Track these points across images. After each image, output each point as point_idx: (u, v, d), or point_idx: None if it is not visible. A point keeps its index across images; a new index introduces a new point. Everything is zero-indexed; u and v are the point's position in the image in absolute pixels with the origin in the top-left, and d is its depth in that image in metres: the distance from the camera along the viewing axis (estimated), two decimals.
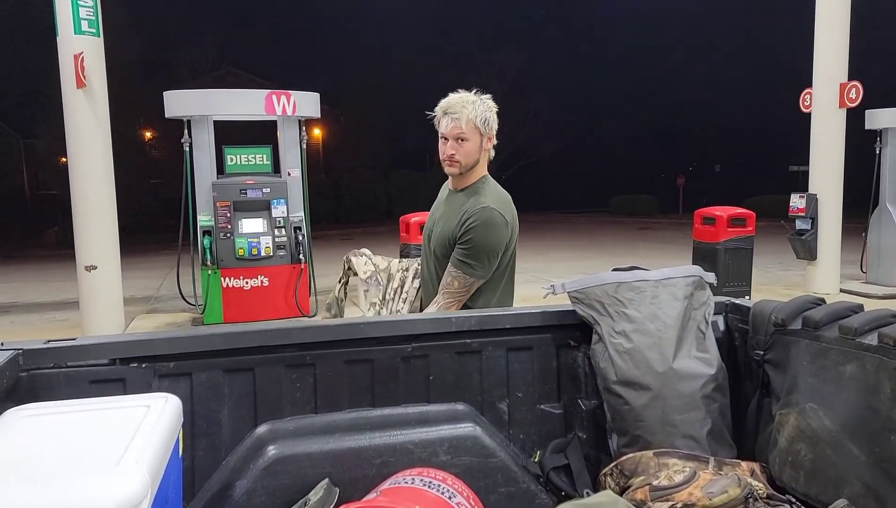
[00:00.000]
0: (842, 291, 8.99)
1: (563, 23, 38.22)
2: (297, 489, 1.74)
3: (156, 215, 19.31)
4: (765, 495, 1.60)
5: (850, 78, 8.68)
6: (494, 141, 2.51)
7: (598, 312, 2.00)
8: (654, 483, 1.65)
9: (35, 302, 9.39)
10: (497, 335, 2.08)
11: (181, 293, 7.79)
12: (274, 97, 7.40)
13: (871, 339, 1.60)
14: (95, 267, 6.88)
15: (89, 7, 6.38)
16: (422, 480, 1.53)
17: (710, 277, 2.11)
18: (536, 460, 2.05)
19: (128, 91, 16.23)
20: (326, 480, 1.73)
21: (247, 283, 7.37)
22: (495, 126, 2.48)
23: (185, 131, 7.41)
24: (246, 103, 7.60)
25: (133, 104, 18.02)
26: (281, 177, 7.70)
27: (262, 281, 7.39)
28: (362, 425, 1.90)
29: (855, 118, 9.08)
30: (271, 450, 1.77)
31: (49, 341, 1.77)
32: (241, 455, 1.81)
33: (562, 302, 2.14)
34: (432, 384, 2.04)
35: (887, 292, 8.91)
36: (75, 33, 6.36)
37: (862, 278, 9.52)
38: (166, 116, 7.40)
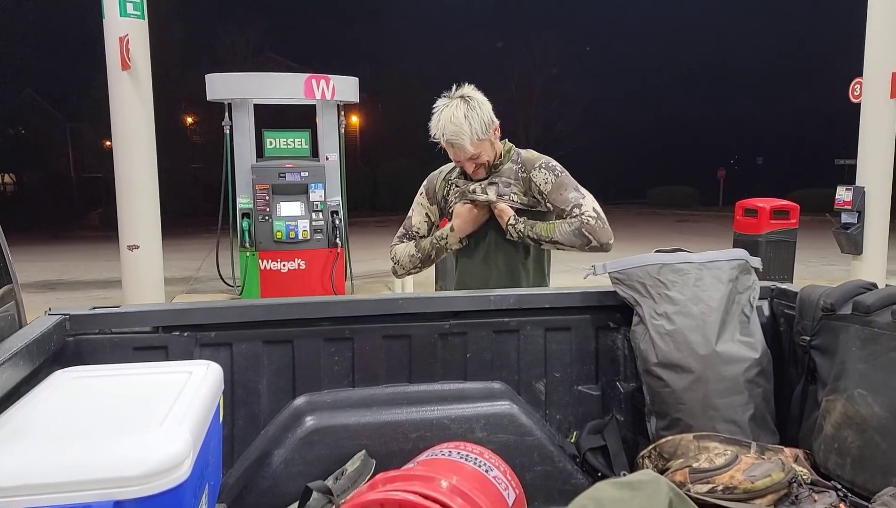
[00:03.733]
0: (887, 286, 8.74)
1: (603, 10, 37.61)
2: (334, 459, 1.75)
3: (196, 200, 19.67)
4: (809, 481, 1.56)
5: None
6: (498, 127, 2.44)
7: (640, 293, 1.97)
8: (695, 465, 1.62)
9: (80, 280, 9.67)
10: (536, 315, 2.06)
11: (220, 275, 7.92)
12: (313, 81, 7.44)
13: None
14: (138, 247, 7.03)
15: None
16: (458, 453, 1.53)
17: (756, 261, 2.06)
18: (573, 440, 2.04)
19: (170, 75, 16.51)
20: (363, 451, 1.75)
21: (284, 265, 7.45)
22: (493, 117, 2.41)
23: (226, 114, 7.50)
24: (286, 87, 7.66)
25: (175, 89, 18.32)
26: (319, 161, 7.75)
27: (298, 264, 7.47)
28: (399, 400, 1.91)
29: None
30: (309, 421, 1.79)
31: (94, 307, 1.81)
32: (280, 425, 1.83)
33: (601, 284, 2.11)
34: (469, 362, 2.03)
35: None
36: (121, 16, 6.48)
37: None
38: (208, 98, 7.50)
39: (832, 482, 1.59)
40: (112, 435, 1.17)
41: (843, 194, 9.00)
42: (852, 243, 8.90)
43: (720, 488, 1.53)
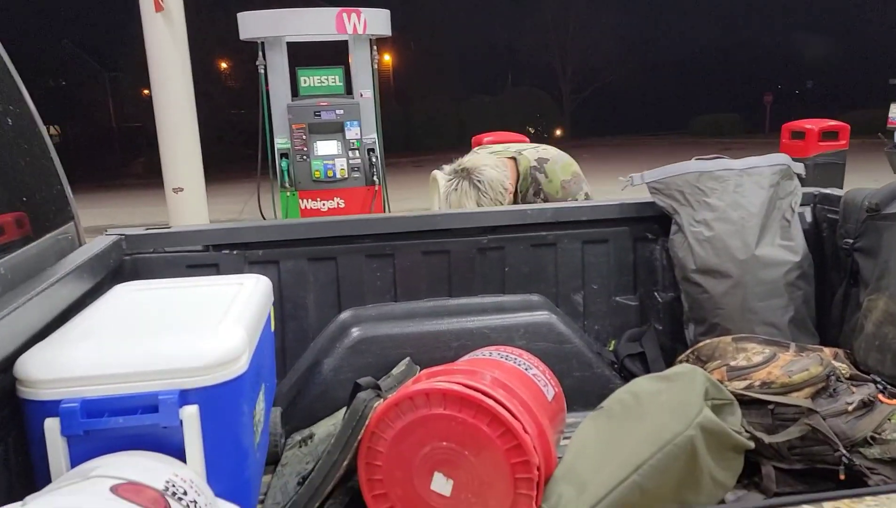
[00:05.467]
0: None
1: None
2: (380, 366, 1.83)
3: (235, 145, 19.86)
4: (848, 376, 1.57)
5: None
6: (511, 184, 2.36)
7: (679, 201, 1.97)
8: (732, 363, 1.65)
9: (128, 224, 9.96)
10: (573, 228, 2.08)
11: (262, 215, 8.07)
12: (345, 15, 7.36)
13: None
14: (182, 189, 7.21)
15: None
16: (499, 354, 1.59)
17: (799, 167, 2.03)
18: (612, 348, 2.08)
19: (202, 19, 16.44)
20: (408, 358, 1.82)
21: (324, 204, 7.54)
22: (505, 184, 2.32)
23: (260, 54, 7.50)
24: (317, 22, 7.59)
25: (208, 32, 18.28)
26: (353, 99, 7.72)
27: (338, 203, 7.55)
28: (440, 312, 1.97)
29: None
30: (355, 331, 1.87)
31: (148, 228, 1.90)
32: (328, 337, 1.91)
33: (639, 196, 2.11)
34: (508, 276, 2.07)
35: None
36: None
37: None
38: (241, 37, 7.49)
39: (872, 376, 1.60)
40: (175, 333, 1.25)
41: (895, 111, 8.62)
42: None
43: (757, 383, 1.56)
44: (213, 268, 1.90)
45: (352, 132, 7.54)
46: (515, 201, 2.41)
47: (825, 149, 8.08)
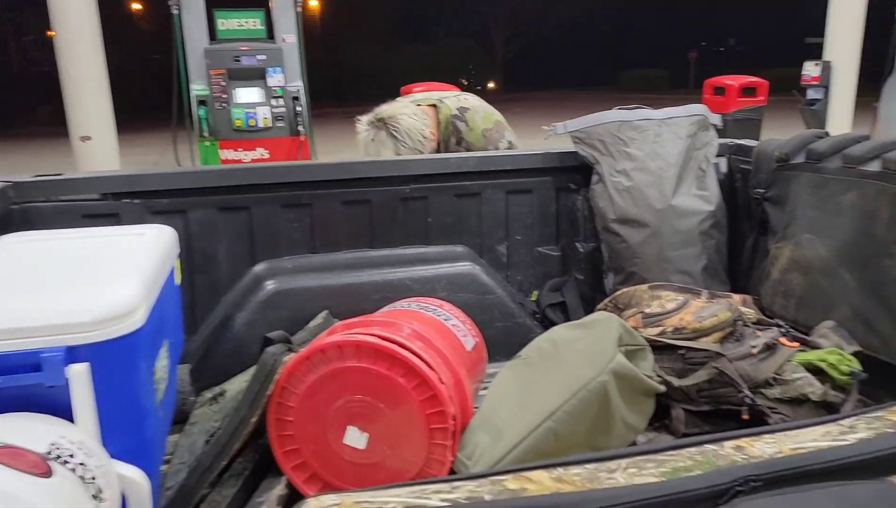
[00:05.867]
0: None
1: None
2: (297, 321, 1.77)
3: (150, 91, 18.79)
4: (754, 320, 1.62)
5: None
6: (433, 133, 2.31)
7: (599, 151, 1.96)
8: (646, 310, 1.67)
9: None
10: (496, 178, 2.05)
11: (178, 165, 7.71)
12: None
13: (874, 166, 1.57)
14: (90, 137, 6.79)
15: None
16: (418, 304, 1.56)
17: (715, 118, 2.05)
18: (534, 299, 2.09)
19: None
20: (325, 312, 1.77)
21: (246, 155, 7.26)
22: (425, 133, 2.25)
23: None
24: None
25: None
26: (276, 44, 7.39)
27: (261, 154, 7.28)
28: (361, 264, 1.92)
29: None
30: (270, 284, 1.80)
31: (38, 175, 1.75)
32: (240, 290, 1.84)
33: (563, 146, 2.10)
34: (431, 227, 2.03)
35: None
36: None
37: None
38: None
39: (776, 320, 1.66)
40: (63, 287, 1.15)
41: (810, 69, 8.95)
42: (817, 120, 8.94)
43: (670, 330, 1.59)
44: (113, 218, 1.78)
45: (274, 79, 7.24)
46: (438, 151, 2.36)
47: (744, 104, 8.33)
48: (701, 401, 1.58)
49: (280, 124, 7.31)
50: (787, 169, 1.83)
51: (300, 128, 7.30)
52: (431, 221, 2.02)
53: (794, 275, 1.73)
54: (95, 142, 6.85)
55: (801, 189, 1.77)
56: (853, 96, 8.65)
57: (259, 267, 1.88)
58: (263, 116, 7.21)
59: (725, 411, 1.55)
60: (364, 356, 1.23)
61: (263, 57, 7.18)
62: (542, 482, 1.07)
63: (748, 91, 8.25)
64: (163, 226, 1.53)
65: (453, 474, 1.23)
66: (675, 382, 1.51)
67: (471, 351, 1.48)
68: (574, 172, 2.08)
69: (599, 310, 1.93)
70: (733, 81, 8.22)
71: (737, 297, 1.86)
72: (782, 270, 1.77)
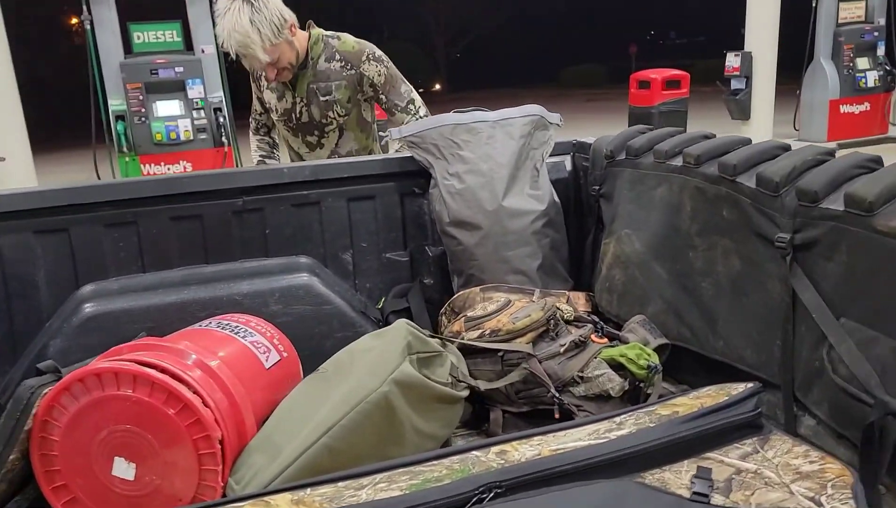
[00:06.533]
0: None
1: None
2: (116, 345, 1.71)
3: (64, 108, 18.21)
4: (573, 318, 1.62)
5: None
6: (295, 21, 2.30)
7: (434, 155, 1.95)
8: (470, 313, 1.66)
9: None
10: (335, 186, 2.02)
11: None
12: None
13: (679, 161, 1.58)
14: (3, 159, 6.57)
15: None
16: (217, 323, 1.51)
17: (554, 117, 2.05)
18: (381, 306, 2.06)
19: None
20: (143, 333, 1.71)
21: (168, 169, 7.13)
22: (284, 14, 2.24)
23: (84, 7, 6.86)
24: None
25: None
26: (195, 55, 7.26)
27: (184, 166, 7.15)
28: (192, 280, 1.85)
29: None
30: (87, 308, 1.73)
31: None
32: (61, 316, 1.76)
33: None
34: (270, 239, 1.99)
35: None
36: None
37: (795, 135, 9.61)
38: None
39: (591, 316, 1.66)
40: None
41: (732, 60, 9.16)
42: (741, 109, 9.16)
43: (488, 332, 1.58)
44: None
45: (194, 91, 7.12)
46: (304, 65, 2.38)
47: (669, 97, 8.47)
48: (520, 402, 1.57)
49: (203, 136, 7.20)
50: (614, 165, 1.84)
51: (224, 139, 7.19)
52: (269, 232, 1.98)
53: (617, 271, 1.74)
54: (10, 163, 6.63)
55: (622, 185, 1.78)
56: (773, 85, 8.87)
57: (84, 289, 1.80)
58: (185, 129, 7.10)
59: (542, 411, 1.54)
60: (123, 383, 1.18)
61: (182, 69, 7.07)
62: (279, 505, 1.05)
63: (672, 84, 8.40)
64: None
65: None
66: (483, 385, 1.50)
67: (272, 368, 1.45)
68: (417, 176, 2.05)
69: (441, 313, 1.93)
70: (657, 74, 8.37)
71: (574, 294, 1.87)
72: (608, 265, 1.78)
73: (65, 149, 12.82)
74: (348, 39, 2.42)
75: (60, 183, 1.86)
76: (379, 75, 2.40)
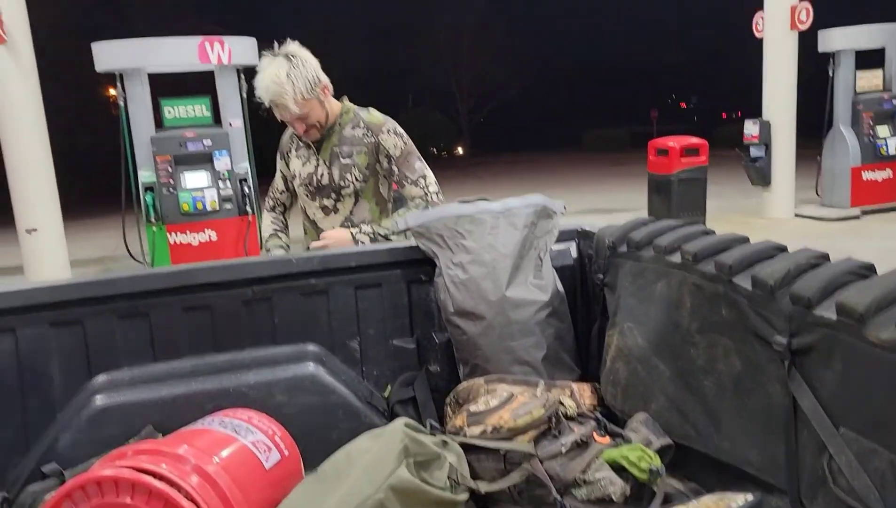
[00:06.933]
0: (797, 215, 9.02)
1: None
2: (124, 438, 1.73)
3: (98, 180, 18.70)
4: (576, 414, 1.61)
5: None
6: (329, 85, 2.46)
7: (438, 245, 1.98)
8: (472, 408, 1.66)
9: None
10: (343, 274, 2.05)
11: (129, 251, 7.73)
12: (207, 44, 7.17)
13: (678, 257, 1.59)
14: (35, 229, 6.81)
15: None
16: (219, 420, 1.53)
17: (557, 205, 2.09)
18: (388, 394, 2.06)
19: (56, 48, 15.45)
20: (149, 426, 1.73)
21: (194, 238, 7.30)
22: (320, 75, 2.41)
23: (119, 86, 7.20)
24: (179, 52, 7.36)
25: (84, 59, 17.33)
26: (222, 128, 7.53)
27: (209, 236, 7.33)
28: (202, 370, 1.89)
29: (806, 45, 8.96)
30: (97, 400, 1.76)
31: None
32: (73, 407, 1.80)
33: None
34: (278, 328, 2.02)
35: (842, 215, 8.95)
36: None
37: (817, 201, 9.55)
38: (97, 69, 7.17)
39: (596, 412, 1.65)
40: None
41: (750, 128, 9.23)
42: (761, 176, 9.17)
43: (489, 429, 1.57)
44: None
45: (221, 162, 7.34)
46: (331, 130, 2.50)
47: (687, 165, 8.50)
48: (524, 503, 1.55)
49: (228, 206, 7.38)
50: (616, 256, 1.86)
51: (248, 208, 7.37)
52: (278, 321, 2.01)
53: (620, 364, 1.73)
54: (42, 232, 6.86)
55: (624, 277, 1.79)
56: (793, 151, 8.90)
57: (97, 380, 1.84)
58: (211, 200, 7.28)
59: None
60: (122, 491, 1.19)
61: (210, 142, 7.31)
62: None
63: (690, 152, 8.44)
64: None
65: None
66: (484, 487, 1.48)
67: (272, 468, 1.45)
68: (424, 263, 2.09)
69: (447, 403, 1.92)
70: (675, 142, 8.42)
71: (579, 385, 1.85)
72: (612, 358, 1.78)
73: (97, 217, 13.18)
74: (376, 113, 2.56)
75: (76, 278, 1.91)
76: (395, 147, 2.50)
